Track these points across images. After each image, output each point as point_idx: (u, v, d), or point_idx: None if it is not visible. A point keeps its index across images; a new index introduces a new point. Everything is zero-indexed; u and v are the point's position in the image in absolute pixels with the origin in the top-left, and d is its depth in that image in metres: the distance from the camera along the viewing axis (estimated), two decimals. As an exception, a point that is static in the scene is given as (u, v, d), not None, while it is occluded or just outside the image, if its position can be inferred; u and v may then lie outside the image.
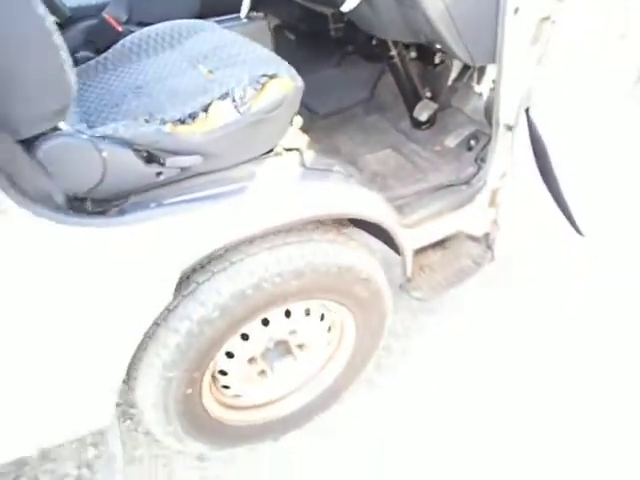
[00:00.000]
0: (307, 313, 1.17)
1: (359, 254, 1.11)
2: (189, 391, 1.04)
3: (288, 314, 1.14)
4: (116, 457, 1.27)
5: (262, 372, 1.21)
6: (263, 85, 0.92)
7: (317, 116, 1.11)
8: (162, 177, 0.87)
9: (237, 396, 1.22)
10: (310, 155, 1.01)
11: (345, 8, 1.12)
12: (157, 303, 0.89)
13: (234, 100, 0.90)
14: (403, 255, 1.22)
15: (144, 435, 1.36)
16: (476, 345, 1.64)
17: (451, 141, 1.34)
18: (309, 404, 1.33)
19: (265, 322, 1.11)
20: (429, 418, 1.43)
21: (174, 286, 0.89)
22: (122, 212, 0.84)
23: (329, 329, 1.25)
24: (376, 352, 1.37)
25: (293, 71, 0.98)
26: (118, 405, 1.31)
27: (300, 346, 1.23)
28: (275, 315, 1.11)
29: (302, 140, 1.04)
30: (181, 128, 0.87)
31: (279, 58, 1.02)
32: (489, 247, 1.42)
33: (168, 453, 1.32)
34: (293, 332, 1.18)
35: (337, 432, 1.39)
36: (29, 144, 0.73)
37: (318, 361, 1.29)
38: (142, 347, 0.96)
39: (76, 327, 0.84)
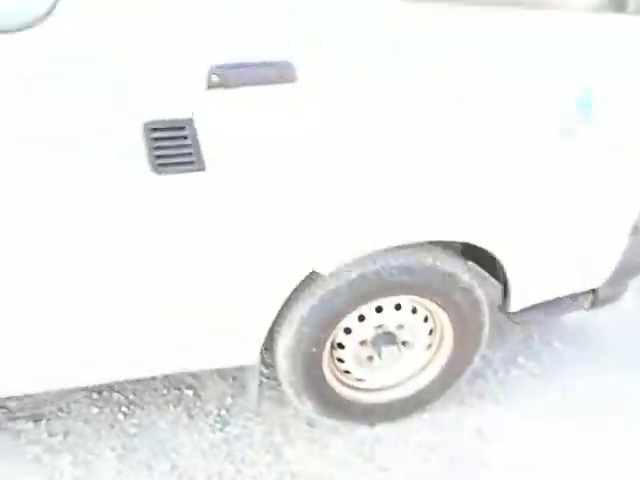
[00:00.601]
0: (414, 311, 1.44)
1: (460, 266, 1.37)
2: (314, 349, 1.36)
3: (398, 308, 1.42)
4: (249, 406, 1.62)
5: (370, 358, 1.49)
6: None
7: None
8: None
9: (347, 372, 1.51)
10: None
11: None
12: (303, 270, 1.24)
13: None
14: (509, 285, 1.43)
15: (267, 399, 1.70)
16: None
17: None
18: (403, 400, 1.56)
19: (379, 310, 1.41)
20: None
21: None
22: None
23: (431, 332, 1.50)
24: (470, 366, 1.56)
25: None
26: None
27: (404, 343, 1.49)
28: (387, 305, 1.40)
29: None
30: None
31: None
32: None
33: (285, 415, 1.63)
34: (400, 327, 1.45)
35: (423, 438, 1.58)
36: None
37: (417, 361, 1.53)
38: (286, 305, 1.31)
39: (250, 275, 1.22)
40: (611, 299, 1.62)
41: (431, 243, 1.32)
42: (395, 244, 1.24)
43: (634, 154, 1.31)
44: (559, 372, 1.81)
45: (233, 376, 1.77)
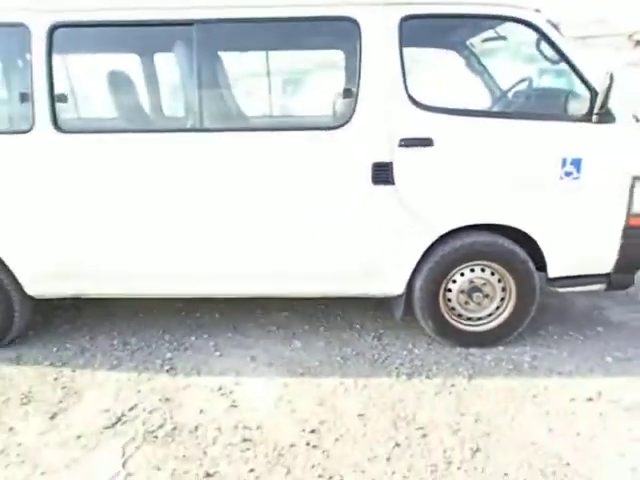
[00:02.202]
0: (492, 273, 2.62)
1: (518, 247, 2.54)
2: (434, 287, 2.59)
3: (483, 270, 2.61)
4: (393, 330, 2.85)
5: (467, 303, 2.66)
6: None
7: None
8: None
9: (453, 309, 2.68)
10: None
11: None
12: (432, 236, 2.52)
13: None
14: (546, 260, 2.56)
15: (402, 334, 2.89)
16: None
17: None
18: (487, 333, 2.68)
19: (472, 271, 2.61)
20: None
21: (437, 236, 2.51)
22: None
23: (503, 289, 2.64)
24: (529, 315, 2.64)
25: None
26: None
27: (487, 295, 2.65)
28: (476, 267, 2.60)
29: None
30: None
31: None
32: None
33: (414, 340, 2.81)
34: (484, 284, 2.63)
35: (498, 356, 2.65)
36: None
37: (494, 305, 2.66)
38: (421, 259, 2.57)
39: (410, 238, 2.52)
40: (622, 286, 2.63)
41: (499, 232, 2.53)
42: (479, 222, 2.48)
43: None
44: (597, 341, 2.77)
45: (382, 321, 3.01)
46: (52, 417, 2.23)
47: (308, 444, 2.02)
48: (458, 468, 1.88)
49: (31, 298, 2.75)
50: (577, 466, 1.88)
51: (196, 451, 2.00)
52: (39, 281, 2.67)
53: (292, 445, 2.02)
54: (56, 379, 2.51)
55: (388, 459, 1.93)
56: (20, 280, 2.65)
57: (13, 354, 2.74)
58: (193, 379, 2.49)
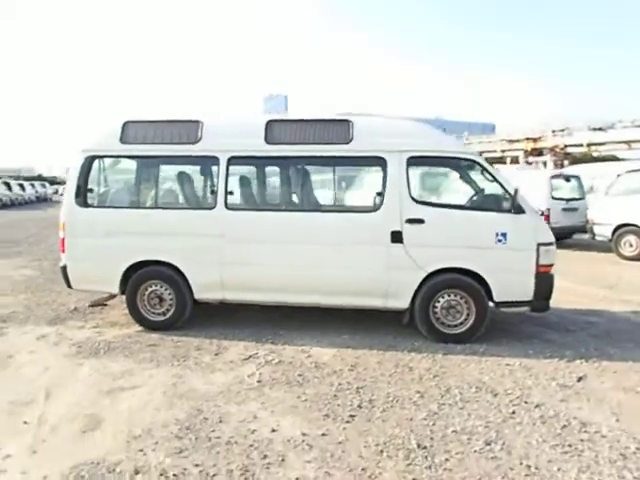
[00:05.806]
0: (460, 297, 4.49)
1: (475, 281, 4.43)
2: (426, 304, 4.49)
3: (455, 295, 4.50)
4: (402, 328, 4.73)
5: (447, 314, 4.53)
6: None
7: None
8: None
9: (438, 318, 4.54)
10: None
11: None
12: (424, 274, 4.47)
13: None
14: (492, 290, 4.43)
15: (408, 334, 4.74)
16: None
17: None
18: (460, 335, 4.51)
19: (449, 295, 4.50)
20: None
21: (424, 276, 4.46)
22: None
23: (468, 307, 4.49)
24: (483, 325, 4.46)
25: None
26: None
27: (458, 311, 4.50)
28: (451, 293, 4.49)
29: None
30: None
31: None
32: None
33: (417, 337, 4.65)
34: (456, 303, 4.50)
35: (466, 348, 4.44)
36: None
37: (463, 317, 4.50)
38: (419, 288, 4.50)
39: (413, 274, 4.49)
40: (541, 309, 4.43)
41: (462, 273, 4.45)
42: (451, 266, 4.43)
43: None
44: (528, 345, 4.50)
45: (393, 328, 4.87)
46: (215, 354, 4.25)
47: (349, 370, 3.91)
48: (434, 377, 3.73)
49: (195, 301, 4.87)
50: (491, 383, 3.66)
51: (292, 368, 3.94)
52: (202, 290, 4.80)
53: (341, 369, 3.92)
54: (218, 343, 4.54)
55: (391, 376, 3.79)
56: (193, 289, 4.80)
57: (183, 332, 4.82)
58: (286, 346, 4.45)
